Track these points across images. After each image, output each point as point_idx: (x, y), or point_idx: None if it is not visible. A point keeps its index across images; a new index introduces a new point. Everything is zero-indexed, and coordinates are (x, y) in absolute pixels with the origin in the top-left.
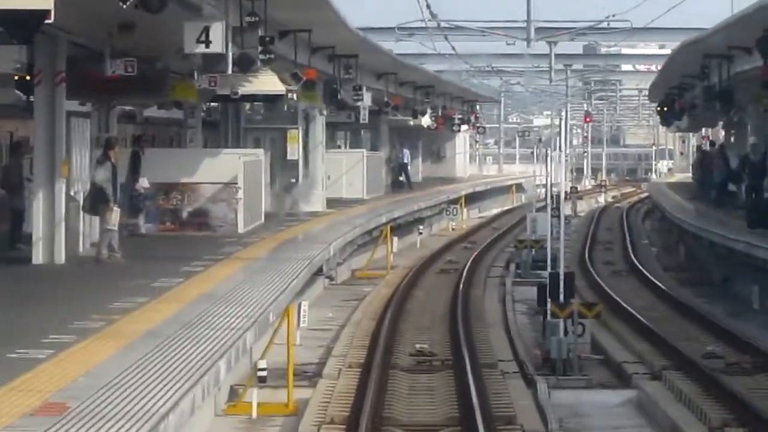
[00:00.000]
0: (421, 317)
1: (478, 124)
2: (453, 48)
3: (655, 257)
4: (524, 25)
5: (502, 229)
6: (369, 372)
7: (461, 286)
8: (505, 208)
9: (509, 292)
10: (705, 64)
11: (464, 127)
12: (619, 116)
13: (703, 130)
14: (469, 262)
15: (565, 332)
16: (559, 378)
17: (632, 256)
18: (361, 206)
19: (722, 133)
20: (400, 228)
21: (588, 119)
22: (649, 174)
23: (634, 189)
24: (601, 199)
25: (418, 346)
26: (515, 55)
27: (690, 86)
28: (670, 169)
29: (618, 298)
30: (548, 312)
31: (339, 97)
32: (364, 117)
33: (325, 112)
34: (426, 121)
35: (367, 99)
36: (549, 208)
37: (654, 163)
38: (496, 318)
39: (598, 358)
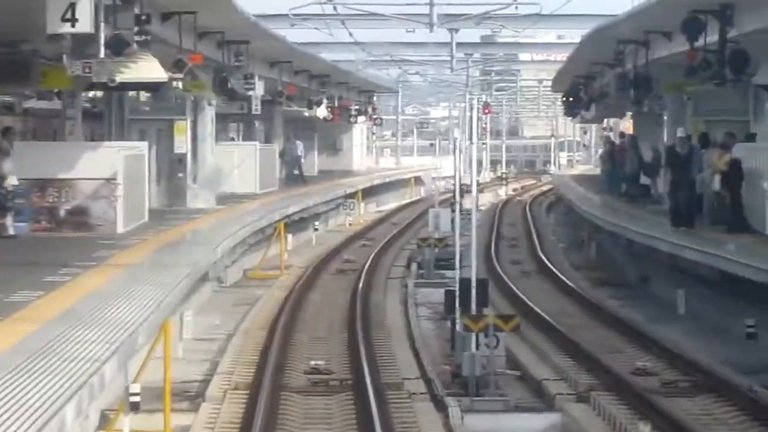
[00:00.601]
0: (316, 326)
1: (375, 116)
2: (350, 34)
3: (563, 254)
4: (427, 10)
5: (401, 225)
6: (258, 394)
7: (360, 288)
8: (404, 201)
9: (411, 294)
10: (620, 49)
11: (361, 118)
12: (518, 107)
13: (605, 121)
14: (368, 261)
15: (478, 346)
16: (473, 399)
17: (541, 255)
18: (254, 202)
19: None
20: (295, 224)
21: (487, 110)
22: (548, 166)
23: (534, 181)
24: (502, 192)
25: (313, 362)
26: (416, 44)
27: (599, 74)
28: (569, 161)
29: (531, 303)
30: (457, 322)
31: (229, 86)
32: (257, 107)
33: (214, 102)
34: (322, 112)
35: (259, 88)
36: (457, 204)
37: (553, 154)
38: (398, 325)
39: (515, 374)
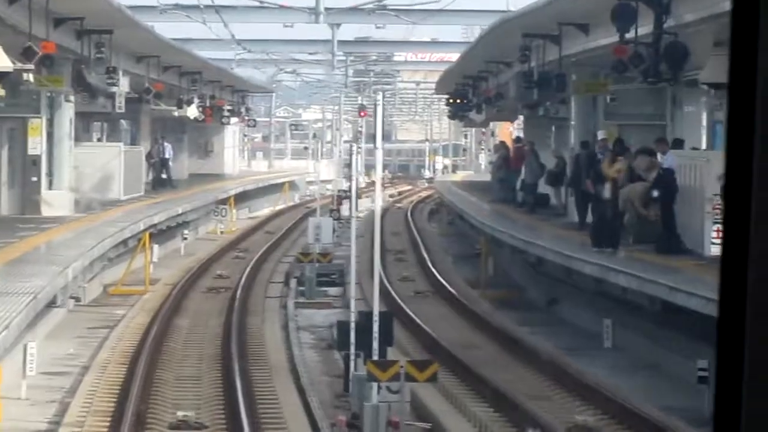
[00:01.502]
0: (185, 361)
1: (249, 117)
2: (226, 25)
3: (456, 269)
4: (311, 4)
5: (277, 234)
6: None
7: (235, 311)
8: (278, 207)
9: (292, 317)
10: (526, 44)
11: (234, 119)
12: (394, 110)
13: (491, 125)
14: (243, 277)
15: (379, 390)
16: None
17: (433, 270)
18: (117, 209)
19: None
20: (162, 232)
21: (363, 113)
22: (423, 171)
23: (411, 187)
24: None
25: (180, 413)
26: (294, 41)
27: (493, 74)
28: (448, 166)
29: (433, 333)
30: (352, 360)
31: (89, 80)
32: (121, 105)
33: (72, 99)
34: (192, 111)
35: (124, 84)
36: (352, 210)
37: (427, 159)
38: (280, 358)
39: (426, 428)
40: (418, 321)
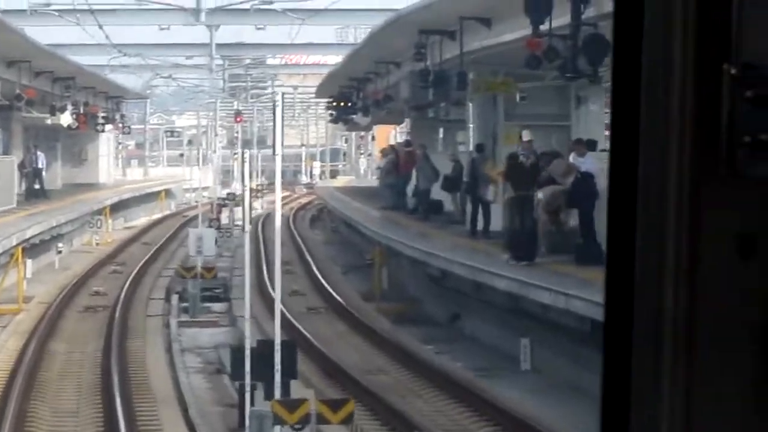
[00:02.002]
0: (61, 392)
1: (123, 124)
2: (101, 27)
3: (347, 280)
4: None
5: (155, 244)
6: None
7: (114, 332)
8: (155, 216)
9: (176, 337)
10: (421, 42)
11: (109, 126)
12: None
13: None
14: (122, 293)
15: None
16: None
17: (324, 283)
18: None
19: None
20: (35, 246)
21: (239, 119)
22: (299, 176)
23: (289, 193)
24: (258, 206)
25: None
26: (170, 45)
27: (380, 76)
28: (323, 172)
29: (333, 358)
30: (247, 392)
31: None
32: None
33: None
34: (66, 119)
35: None
36: (245, 221)
37: (304, 165)
38: (166, 386)
39: None
40: (315, 343)
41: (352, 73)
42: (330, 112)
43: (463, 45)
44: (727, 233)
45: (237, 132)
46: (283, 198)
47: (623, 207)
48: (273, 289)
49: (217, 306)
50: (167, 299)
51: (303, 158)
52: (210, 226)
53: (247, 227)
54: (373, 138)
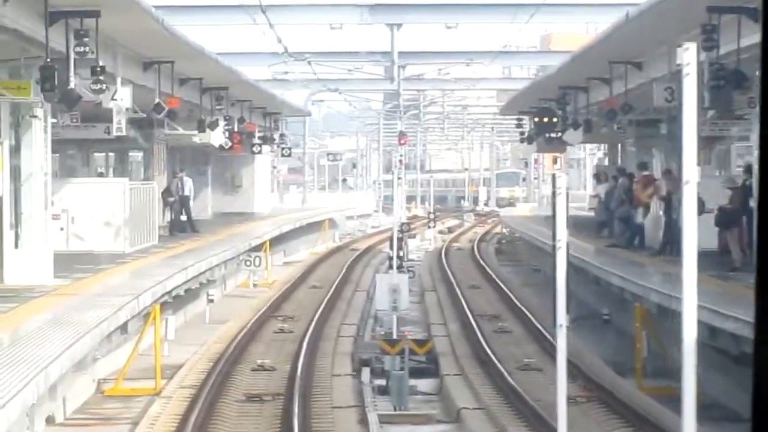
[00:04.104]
0: None
1: (283, 145)
2: (271, 26)
3: (582, 342)
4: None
5: (326, 288)
6: None
7: None
8: (317, 249)
9: None
10: (711, 23)
11: (266, 147)
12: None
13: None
14: (297, 367)
15: None
16: None
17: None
18: (118, 270)
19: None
20: (180, 297)
21: (403, 141)
22: (462, 202)
23: (458, 221)
24: (430, 236)
25: None
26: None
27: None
28: (488, 199)
29: None
30: None
31: (70, 86)
32: (120, 126)
33: (42, 113)
34: (218, 137)
35: (125, 97)
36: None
37: (467, 190)
38: None
39: None
40: None
41: (563, 81)
42: (522, 130)
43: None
44: None
45: (401, 155)
46: (452, 227)
47: None
48: (496, 359)
49: (423, 383)
50: (357, 374)
51: (466, 183)
52: (394, 267)
53: None
54: (536, 161)
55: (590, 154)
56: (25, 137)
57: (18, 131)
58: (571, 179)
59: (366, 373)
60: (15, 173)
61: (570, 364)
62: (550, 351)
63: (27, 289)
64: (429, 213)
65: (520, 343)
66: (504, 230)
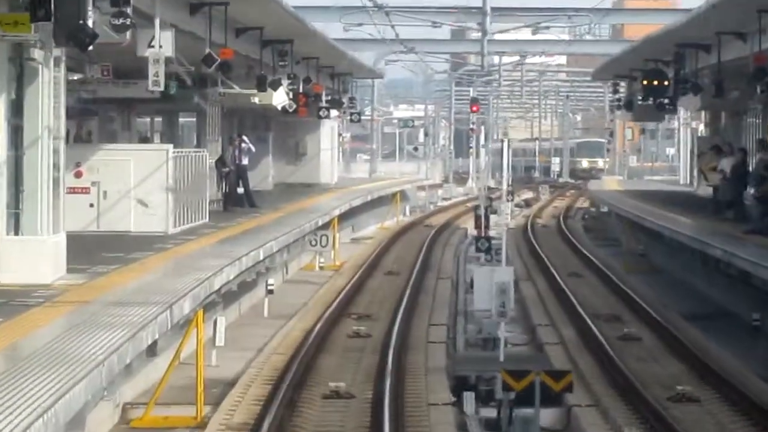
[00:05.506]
0: None
1: (353, 109)
2: None
3: (732, 356)
4: None
5: (403, 273)
6: None
7: None
8: (387, 224)
9: None
10: None
11: (334, 112)
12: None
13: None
14: (384, 390)
15: None
16: None
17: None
18: (154, 260)
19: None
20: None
21: (475, 108)
22: (533, 172)
23: (533, 194)
24: (508, 210)
25: None
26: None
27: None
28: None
29: None
30: None
31: (88, 21)
32: (157, 80)
33: (45, 55)
34: (280, 98)
35: (165, 43)
36: None
37: (537, 159)
38: None
39: None
40: None
41: (682, 39)
42: (618, 96)
43: None
44: None
45: (473, 123)
46: (530, 200)
47: None
48: (631, 375)
49: (543, 415)
50: (457, 400)
51: (536, 153)
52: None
53: None
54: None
55: (683, 125)
56: (29, 91)
57: (21, 83)
58: (657, 151)
59: (469, 400)
60: (17, 138)
61: (727, 386)
62: (700, 371)
63: (22, 292)
64: (508, 185)
65: (657, 358)
66: (591, 207)
